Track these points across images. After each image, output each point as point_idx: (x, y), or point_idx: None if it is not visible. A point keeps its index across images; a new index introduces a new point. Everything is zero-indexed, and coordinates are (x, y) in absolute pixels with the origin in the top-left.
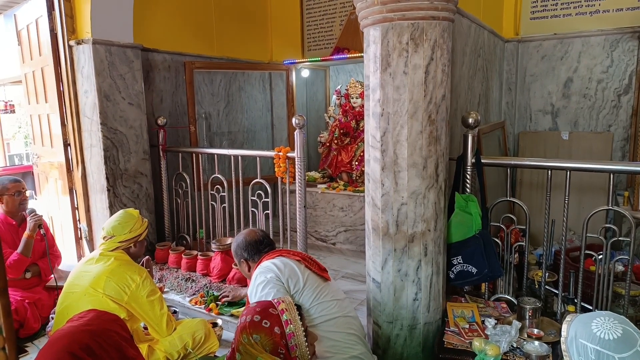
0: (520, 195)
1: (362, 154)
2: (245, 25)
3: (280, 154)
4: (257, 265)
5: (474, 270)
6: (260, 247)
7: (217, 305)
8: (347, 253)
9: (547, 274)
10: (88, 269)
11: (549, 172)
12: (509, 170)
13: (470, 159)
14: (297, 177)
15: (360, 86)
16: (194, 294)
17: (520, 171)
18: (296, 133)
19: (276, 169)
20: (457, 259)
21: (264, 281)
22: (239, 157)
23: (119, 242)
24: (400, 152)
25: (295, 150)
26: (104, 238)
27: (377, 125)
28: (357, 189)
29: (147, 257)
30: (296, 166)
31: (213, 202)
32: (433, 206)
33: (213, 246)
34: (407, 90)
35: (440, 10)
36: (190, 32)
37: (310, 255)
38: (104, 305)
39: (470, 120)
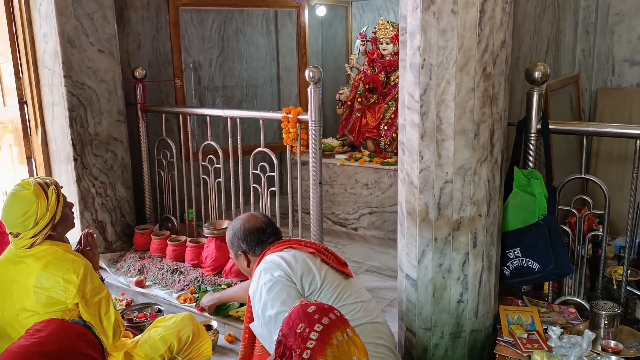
0: (596, 171)
1: (393, 115)
2: None
3: (290, 116)
4: (260, 259)
5: (536, 266)
6: (263, 237)
7: None
8: (373, 241)
9: (629, 271)
10: (5, 286)
11: (638, 142)
12: (585, 139)
13: (534, 125)
14: (310, 146)
15: (392, 28)
16: (182, 290)
17: (598, 140)
18: (310, 89)
19: (284, 135)
20: (515, 251)
21: (270, 280)
22: (237, 120)
23: (31, 238)
24: (446, 115)
25: (309, 112)
26: (10, 234)
27: (416, 80)
28: (386, 160)
29: (86, 230)
30: (310, 131)
31: (205, 176)
32: (486, 185)
33: (206, 231)
34: (456, 35)
35: None
36: None
37: (326, 246)
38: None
39: (537, 74)
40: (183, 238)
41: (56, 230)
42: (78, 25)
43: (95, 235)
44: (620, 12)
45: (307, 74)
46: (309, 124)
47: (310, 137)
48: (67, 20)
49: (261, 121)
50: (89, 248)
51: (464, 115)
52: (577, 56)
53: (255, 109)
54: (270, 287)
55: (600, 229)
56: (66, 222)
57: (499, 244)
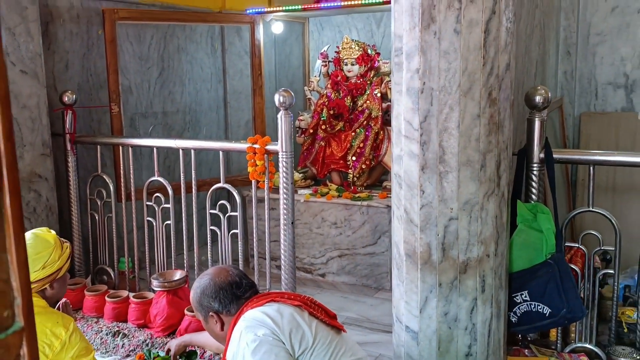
0: (583, 203)
1: (362, 144)
2: None
3: (257, 146)
4: (237, 318)
5: (547, 310)
6: (239, 292)
7: None
8: (344, 288)
9: None
10: None
11: None
12: (591, 169)
13: (537, 154)
14: (281, 180)
15: (357, 48)
16: (127, 356)
17: (584, 169)
18: (280, 115)
19: (250, 169)
20: (522, 295)
21: (254, 341)
22: (191, 152)
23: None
24: (449, 144)
25: (279, 141)
26: None
27: (415, 106)
28: (356, 195)
29: (63, 300)
30: (280, 164)
31: (151, 218)
32: (493, 221)
33: (155, 283)
34: (460, 57)
35: None
36: None
37: (312, 298)
38: None
39: (538, 99)
40: (124, 293)
41: (53, 287)
42: None
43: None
44: (602, 32)
45: (278, 98)
46: (280, 156)
47: (281, 171)
48: None
49: (221, 153)
50: None
51: (469, 144)
52: (560, 79)
53: (198, 138)
54: (255, 349)
55: (604, 266)
56: (63, 284)
57: (507, 287)
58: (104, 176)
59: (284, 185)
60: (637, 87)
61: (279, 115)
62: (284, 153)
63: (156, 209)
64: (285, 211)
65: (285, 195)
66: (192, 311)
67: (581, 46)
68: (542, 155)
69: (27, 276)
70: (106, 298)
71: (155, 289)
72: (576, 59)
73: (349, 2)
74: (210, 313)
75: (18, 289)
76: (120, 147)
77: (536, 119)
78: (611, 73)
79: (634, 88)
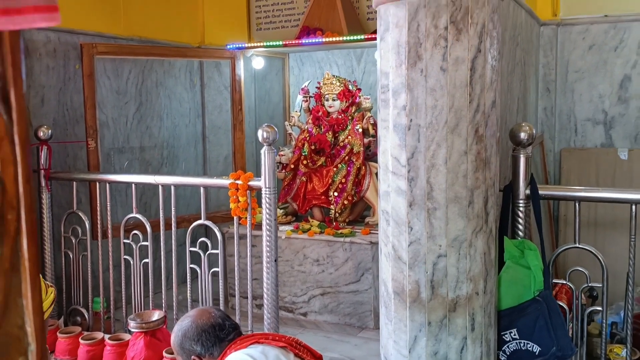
0: (566, 239)
1: (344, 180)
2: None
3: (239, 182)
4: None
5: (537, 349)
6: (222, 334)
7: None
8: (326, 327)
9: (629, 349)
10: None
11: (634, 207)
12: (577, 204)
13: (523, 190)
14: (264, 217)
15: (339, 83)
16: None
17: (565, 205)
18: (264, 151)
19: (232, 205)
20: (511, 333)
21: None
22: (171, 188)
23: None
24: (437, 180)
25: (263, 177)
26: None
27: (402, 142)
28: (339, 231)
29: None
30: (264, 200)
31: (128, 256)
32: (482, 258)
33: (132, 324)
34: (447, 94)
35: None
36: (89, 1)
37: (297, 339)
38: None
39: (523, 136)
40: (100, 335)
41: None
42: None
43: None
44: (580, 69)
45: (261, 134)
46: (263, 192)
47: (265, 208)
48: None
49: (202, 189)
50: None
51: (457, 180)
52: (539, 115)
53: (176, 173)
54: None
55: (590, 303)
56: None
57: (496, 325)
58: (80, 213)
59: (267, 221)
60: (616, 123)
61: (262, 151)
62: (267, 189)
63: (133, 246)
64: (268, 248)
65: (268, 232)
66: (172, 353)
67: (560, 83)
68: (527, 191)
69: (42, 322)
70: (80, 340)
71: (132, 330)
72: (556, 96)
73: (330, 39)
74: (193, 357)
75: (33, 335)
76: (97, 184)
77: (521, 155)
78: (590, 109)
79: (613, 124)
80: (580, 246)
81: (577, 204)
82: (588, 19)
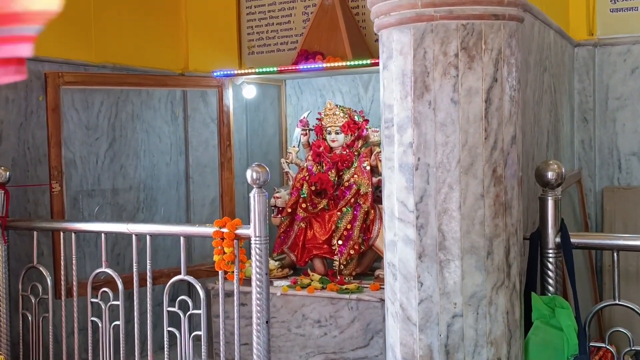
0: (610, 290)
1: (349, 226)
2: (143, 14)
3: (225, 230)
4: None
5: None
6: None
7: None
8: None
9: None
10: None
11: None
12: (615, 255)
13: (552, 238)
14: (254, 271)
15: (342, 114)
16: None
17: (608, 253)
18: (254, 194)
19: (216, 257)
20: None
21: None
22: (147, 238)
23: None
24: (450, 228)
25: (252, 224)
26: None
27: (409, 184)
28: (344, 286)
29: None
30: (253, 252)
31: (96, 318)
32: (504, 318)
33: None
34: (459, 129)
35: (506, 4)
36: (55, 23)
37: None
38: None
39: (550, 175)
40: None
41: None
42: None
43: None
44: (622, 96)
45: (250, 174)
46: (252, 241)
47: (253, 259)
48: None
49: (182, 239)
50: None
51: (473, 228)
52: (576, 149)
53: (155, 219)
54: None
55: None
56: None
57: None
58: (41, 268)
59: (257, 276)
60: None
61: (252, 194)
62: (257, 238)
63: (103, 306)
64: (258, 307)
65: (258, 289)
66: None
67: (599, 112)
68: (558, 239)
69: None
70: None
71: None
72: (594, 127)
73: (332, 64)
74: None
75: None
76: (61, 233)
77: (549, 197)
78: (635, 142)
79: None
80: (620, 303)
81: (615, 254)
82: (630, 38)
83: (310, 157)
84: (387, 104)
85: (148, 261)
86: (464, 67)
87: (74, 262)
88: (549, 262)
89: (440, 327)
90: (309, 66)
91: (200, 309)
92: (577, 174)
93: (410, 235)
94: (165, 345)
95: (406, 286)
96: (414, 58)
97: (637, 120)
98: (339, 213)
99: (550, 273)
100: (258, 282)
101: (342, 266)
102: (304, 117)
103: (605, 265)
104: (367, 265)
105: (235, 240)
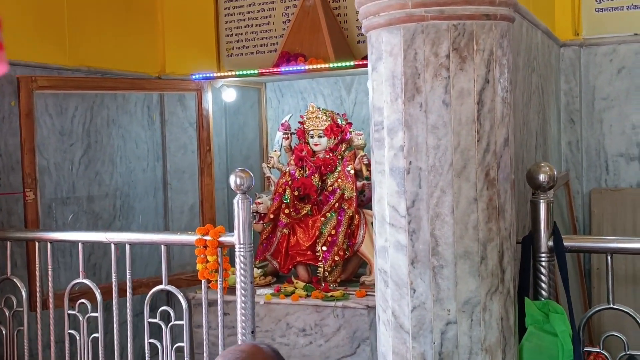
0: (599, 294)
1: (333, 232)
2: (118, 15)
3: (208, 238)
4: None
5: None
6: None
7: None
8: None
9: None
10: None
11: None
12: (609, 257)
13: (545, 242)
14: (239, 280)
15: (325, 117)
16: None
17: (597, 256)
18: (237, 200)
19: (199, 266)
20: None
21: None
22: (126, 247)
23: None
24: (442, 233)
25: (236, 232)
26: None
27: (401, 188)
28: (329, 294)
29: None
30: (237, 260)
31: (73, 330)
32: (499, 324)
33: None
34: (451, 132)
35: (497, 4)
36: (28, 26)
37: None
38: None
39: (542, 178)
40: None
41: None
42: None
43: None
44: (608, 96)
45: (234, 180)
46: (236, 249)
47: (238, 268)
48: None
49: (163, 247)
50: None
51: (466, 232)
52: (563, 151)
53: (132, 227)
54: None
55: None
56: None
57: None
58: (14, 279)
59: (242, 285)
60: None
61: (235, 201)
62: (241, 246)
63: (80, 318)
64: (243, 317)
65: (243, 298)
66: None
67: (586, 113)
68: (550, 243)
69: None
70: None
71: None
72: (581, 128)
73: (314, 66)
74: None
75: None
76: (36, 243)
77: (541, 200)
78: (622, 143)
79: None
80: (615, 307)
81: (609, 257)
82: (615, 38)
83: (292, 162)
84: (376, 106)
85: (128, 271)
86: (456, 68)
87: (49, 272)
88: (542, 266)
89: (434, 335)
90: (290, 68)
91: (181, 319)
92: (565, 176)
93: (402, 241)
94: (146, 358)
95: (398, 293)
96: (404, 59)
97: (624, 121)
98: (322, 218)
99: (543, 277)
100: (243, 291)
101: (326, 273)
102: (286, 121)
103: (593, 268)
104: (352, 271)
105: (218, 248)
